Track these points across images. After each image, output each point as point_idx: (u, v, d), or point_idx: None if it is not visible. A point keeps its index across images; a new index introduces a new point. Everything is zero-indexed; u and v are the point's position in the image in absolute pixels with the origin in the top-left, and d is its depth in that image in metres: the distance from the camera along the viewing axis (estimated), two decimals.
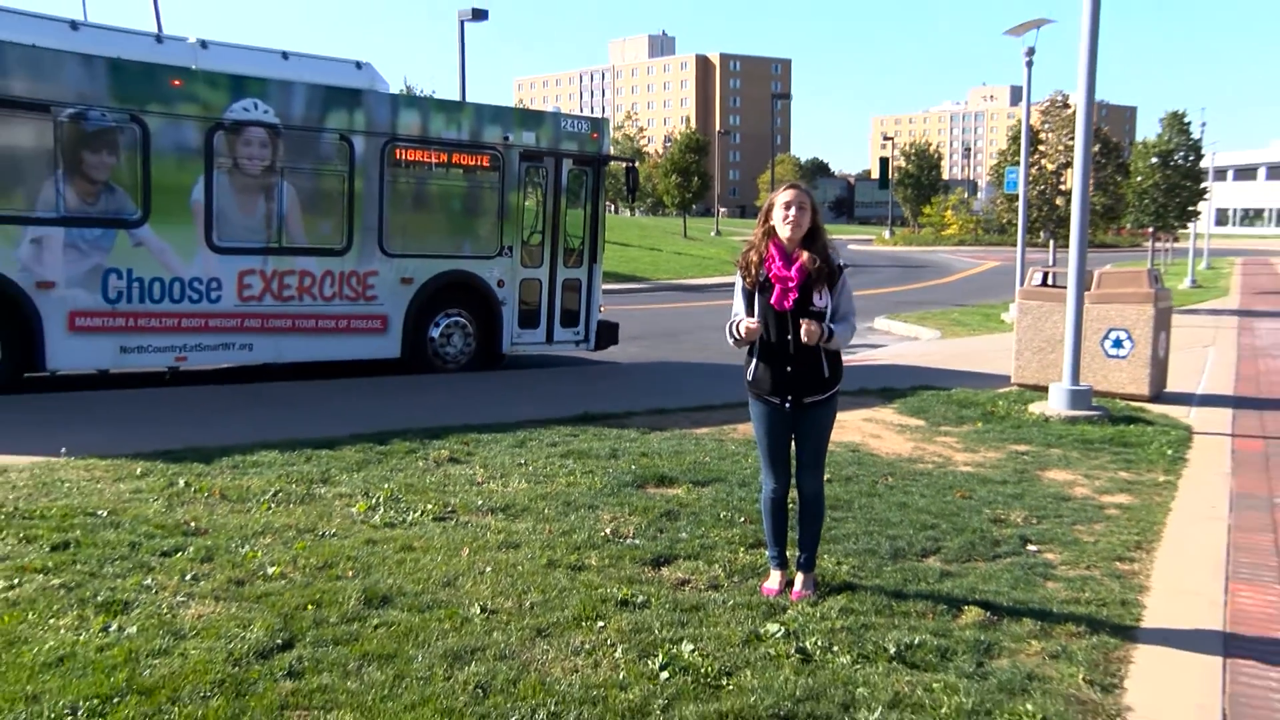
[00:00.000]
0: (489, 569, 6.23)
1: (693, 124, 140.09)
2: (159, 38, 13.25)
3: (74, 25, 12.57)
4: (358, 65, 14.65)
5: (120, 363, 12.47)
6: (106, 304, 12.10)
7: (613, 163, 17.67)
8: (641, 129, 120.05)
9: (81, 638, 5.04)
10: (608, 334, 16.57)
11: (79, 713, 4.31)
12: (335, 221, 13.84)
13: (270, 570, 6.07)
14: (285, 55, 14.13)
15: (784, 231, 5.84)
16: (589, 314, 16.30)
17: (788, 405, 5.97)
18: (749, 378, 6.08)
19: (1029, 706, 4.72)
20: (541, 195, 15.91)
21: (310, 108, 13.45)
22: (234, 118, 12.81)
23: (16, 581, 5.77)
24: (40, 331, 11.68)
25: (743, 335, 5.80)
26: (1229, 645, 5.67)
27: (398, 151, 14.26)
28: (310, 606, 5.51)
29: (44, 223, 11.68)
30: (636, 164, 19.76)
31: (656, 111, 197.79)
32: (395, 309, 14.35)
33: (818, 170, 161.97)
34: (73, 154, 11.83)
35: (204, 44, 13.44)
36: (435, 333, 14.95)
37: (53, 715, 4.28)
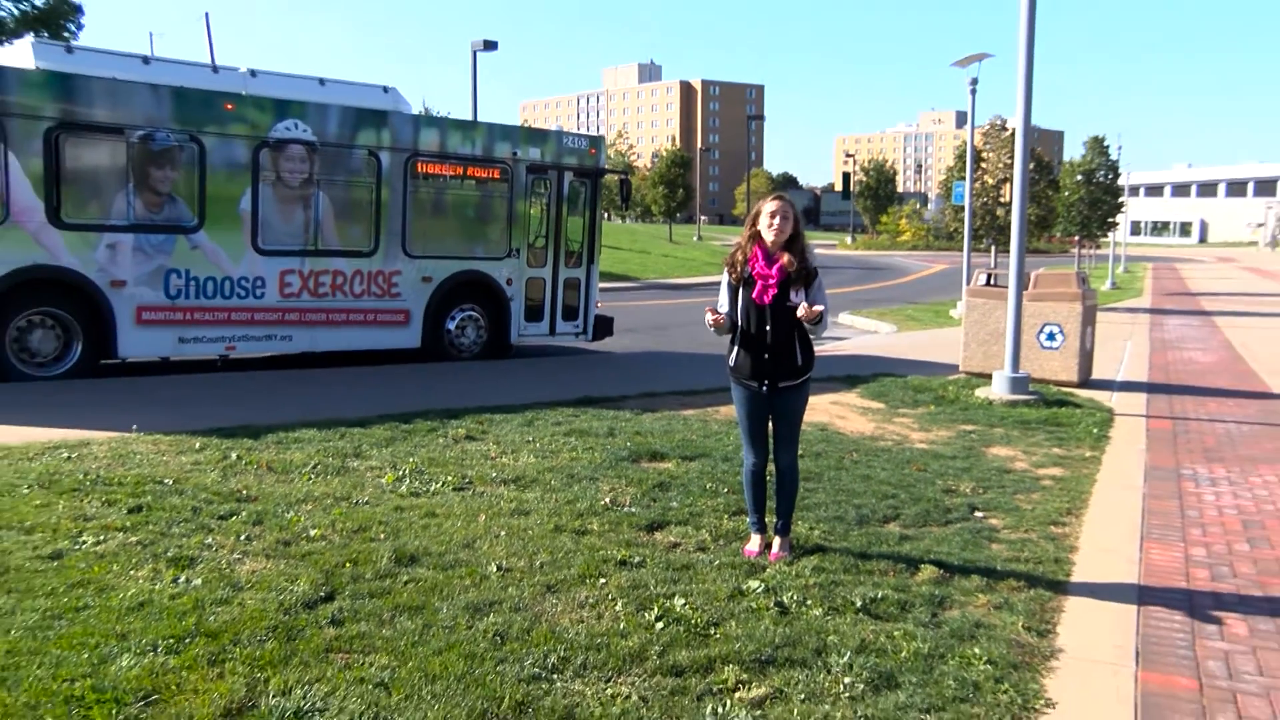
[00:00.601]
0: (503, 533, 6.24)
1: (677, 142, 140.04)
2: (214, 68, 13.40)
3: (145, 60, 12.78)
4: (384, 89, 14.69)
5: (179, 351, 12.63)
6: (168, 300, 12.30)
7: (608, 175, 17.70)
8: (631, 146, 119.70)
9: (156, 587, 5.08)
10: (604, 327, 16.57)
11: (158, 649, 4.36)
12: (364, 227, 13.92)
13: (312, 532, 6.08)
14: (322, 81, 14.16)
15: (768, 236, 5.86)
16: (587, 309, 16.29)
17: (765, 389, 5.99)
18: (730, 364, 6.10)
19: (977, 650, 4.77)
20: (545, 204, 15.87)
21: (343, 127, 13.58)
22: (277, 136, 12.98)
23: (102, 538, 5.81)
24: (113, 324, 11.93)
25: (709, 324, 5.91)
26: (1142, 595, 5.78)
27: (419, 165, 14.33)
28: (348, 564, 5.52)
29: (117, 229, 11.91)
30: (629, 176, 19.83)
31: (645, 131, 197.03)
32: (416, 304, 14.39)
33: (787, 183, 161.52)
34: (141, 170, 12.07)
35: (253, 73, 13.53)
36: (451, 325, 14.93)
37: (138, 651, 4.33)
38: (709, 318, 5.90)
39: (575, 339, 16.42)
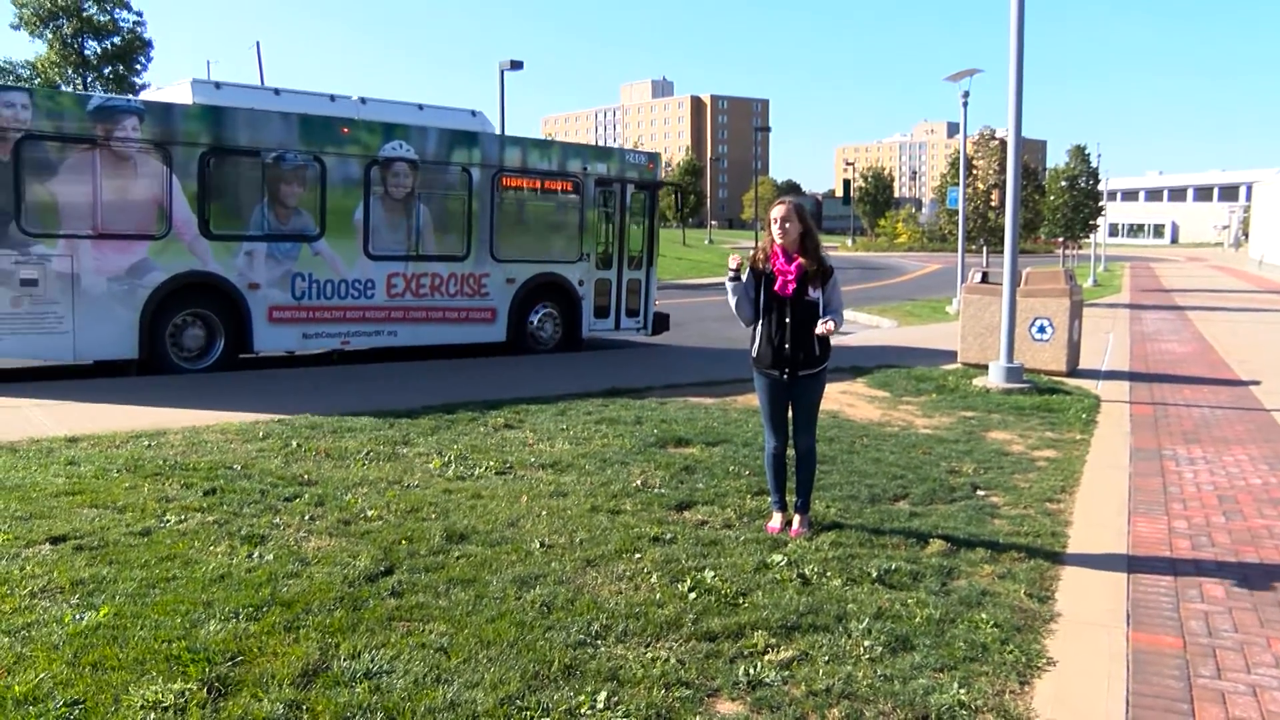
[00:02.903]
0: (544, 513, 6.29)
1: (689, 152, 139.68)
2: (331, 97, 13.99)
3: (276, 91, 13.59)
4: (473, 113, 15.29)
5: (302, 346, 13.28)
6: (294, 300, 12.95)
7: (664, 186, 18.26)
8: None
9: (234, 561, 5.18)
10: (661, 323, 17.06)
11: (240, 616, 4.45)
12: (458, 235, 14.51)
13: (369, 513, 6.14)
14: (420, 107, 14.81)
15: (776, 238, 5.90)
16: (647, 307, 16.79)
17: (785, 377, 6.01)
18: (753, 354, 6.11)
19: (983, 615, 4.81)
20: (610, 213, 16.41)
21: (440, 146, 14.20)
22: (385, 155, 13.61)
23: (183, 518, 5.92)
24: (250, 322, 12.60)
25: (732, 266, 5.91)
26: (1131, 564, 5.83)
27: (504, 180, 14.90)
28: (404, 541, 5.58)
29: (253, 239, 12.60)
30: (684, 188, 20.36)
31: (659, 142, 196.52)
32: (502, 303, 14.93)
33: (791, 190, 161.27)
34: (274, 187, 12.80)
35: (363, 100, 14.19)
36: (534, 321, 15.44)
37: (222, 617, 4.43)
38: (732, 259, 5.93)
39: (636, 334, 16.86)
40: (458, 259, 14.40)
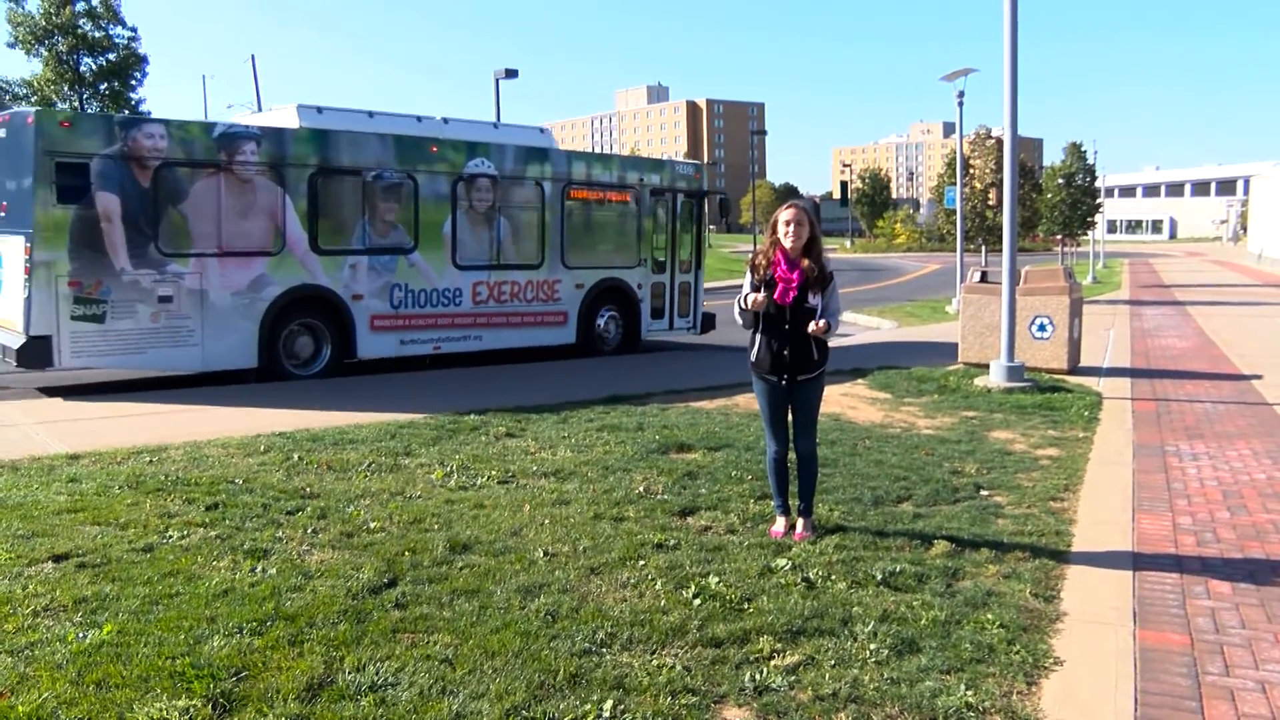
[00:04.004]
0: (547, 521, 6.27)
1: (685, 158, 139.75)
2: (418, 118, 14.81)
3: (370, 114, 14.17)
4: (540, 130, 16.30)
5: (399, 351, 13.94)
6: (392, 309, 13.74)
7: (710, 195, 19.19)
8: None
9: (237, 576, 5.16)
10: (708, 322, 17.92)
11: (244, 631, 4.44)
12: (533, 244, 15.39)
13: (372, 525, 6.13)
14: (496, 125, 15.90)
15: (787, 243, 5.88)
16: (696, 308, 17.66)
17: (784, 382, 6.01)
18: (752, 359, 6.11)
19: (989, 616, 4.80)
20: (663, 220, 17.15)
21: (516, 162, 15.06)
22: (469, 171, 14.49)
23: (186, 533, 5.91)
24: (354, 330, 13.37)
25: (749, 307, 5.87)
26: (1136, 561, 5.82)
27: (572, 192, 15.81)
28: (407, 553, 5.57)
29: (356, 253, 13.42)
30: (728, 196, 21.90)
31: (655, 148, 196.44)
32: (572, 307, 15.79)
33: (789, 193, 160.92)
34: (373, 203, 13.64)
35: (445, 120, 14.92)
36: (600, 323, 16.18)
37: (226, 632, 4.42)
38: (750, 298, 5.84)
39: (688, 333, 17.63)
40: (533, 267, 15.27)
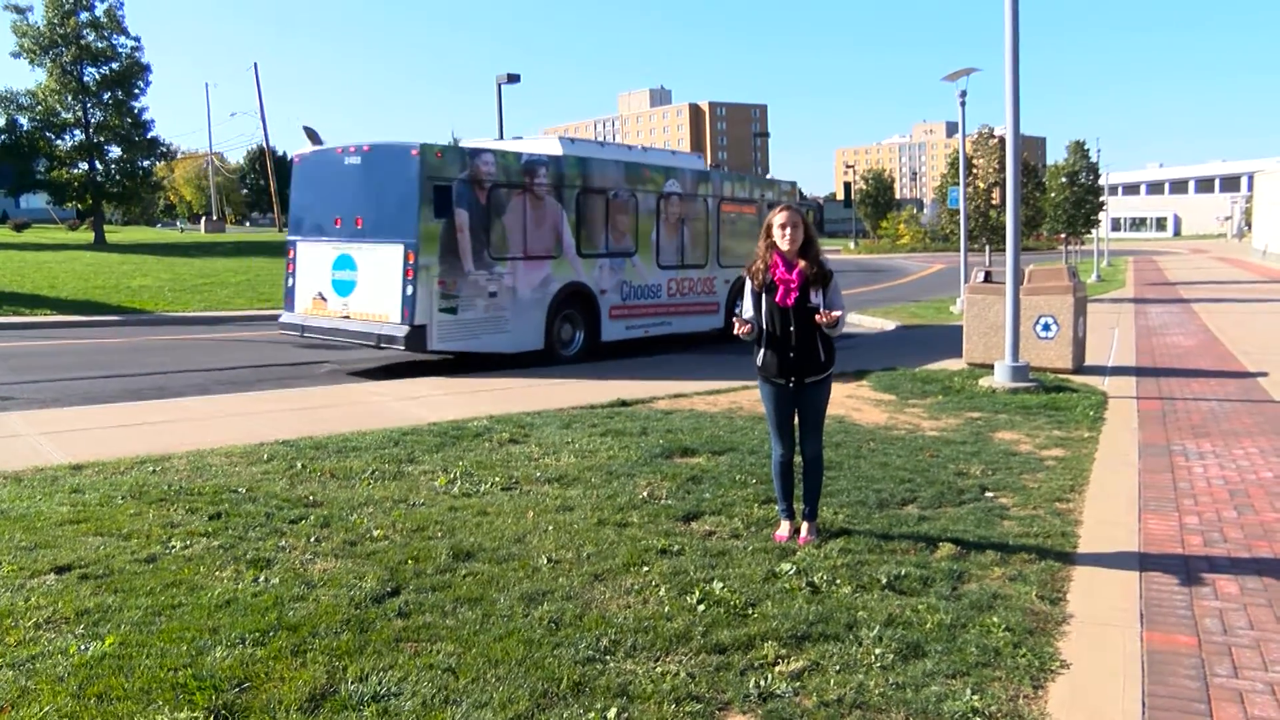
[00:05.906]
0: (551, 528, 6.25)
1: None
2: (629, 148, 18.41)
3: (601, 144, 17.73)
4: (697, 155, 20.42)
5: (624, 335, 16.91)
6: (622, 301, 16.82)
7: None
8: None
9: (239, 586, 5.14)
10: None
11: (246, 642, 4.42)
12: (702, 248, 18.67)
13: (375, 533, 6.11)
14: (674, 152, 19.54)
15: (783, 245, 5.88)
16: None
17: (791, 385, 5.99)
18: (758, 363, 6.09)
19: (995, 619, 4.77)
20: None
21: (692, 182, 18.38)
22: (666, 190, 17.73)
23: (189, 543, 5.89)
24: (600, 319, 16.35)
25: (740, 334, 5.98)
26: (1143, 562, 5.79)
27: (724, 206, 19.12)
28: (410, 561, 5.55)
29: (603, 256, 16.43)
30: (819, 206, 24.79)
31: None
32: (722, 299, 19.01)
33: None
34: (612, 216, 16.61)
35: (645, 149, 18.76)
36: (736, 312, 18.13)
37: (229, 643, 4.40)
38: (739, 329, 5.96)
39: None
40: (700, 266, 18.59)
